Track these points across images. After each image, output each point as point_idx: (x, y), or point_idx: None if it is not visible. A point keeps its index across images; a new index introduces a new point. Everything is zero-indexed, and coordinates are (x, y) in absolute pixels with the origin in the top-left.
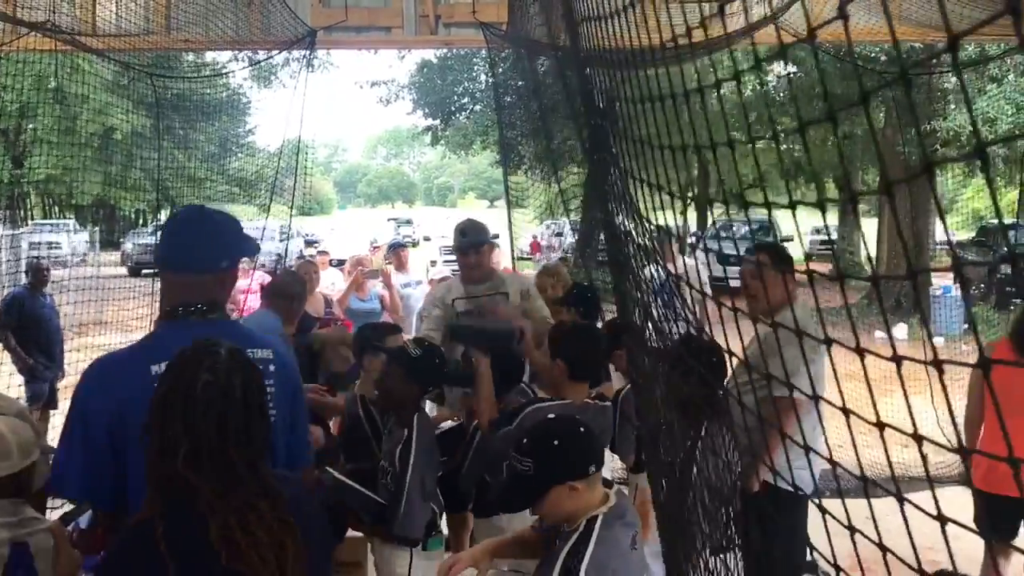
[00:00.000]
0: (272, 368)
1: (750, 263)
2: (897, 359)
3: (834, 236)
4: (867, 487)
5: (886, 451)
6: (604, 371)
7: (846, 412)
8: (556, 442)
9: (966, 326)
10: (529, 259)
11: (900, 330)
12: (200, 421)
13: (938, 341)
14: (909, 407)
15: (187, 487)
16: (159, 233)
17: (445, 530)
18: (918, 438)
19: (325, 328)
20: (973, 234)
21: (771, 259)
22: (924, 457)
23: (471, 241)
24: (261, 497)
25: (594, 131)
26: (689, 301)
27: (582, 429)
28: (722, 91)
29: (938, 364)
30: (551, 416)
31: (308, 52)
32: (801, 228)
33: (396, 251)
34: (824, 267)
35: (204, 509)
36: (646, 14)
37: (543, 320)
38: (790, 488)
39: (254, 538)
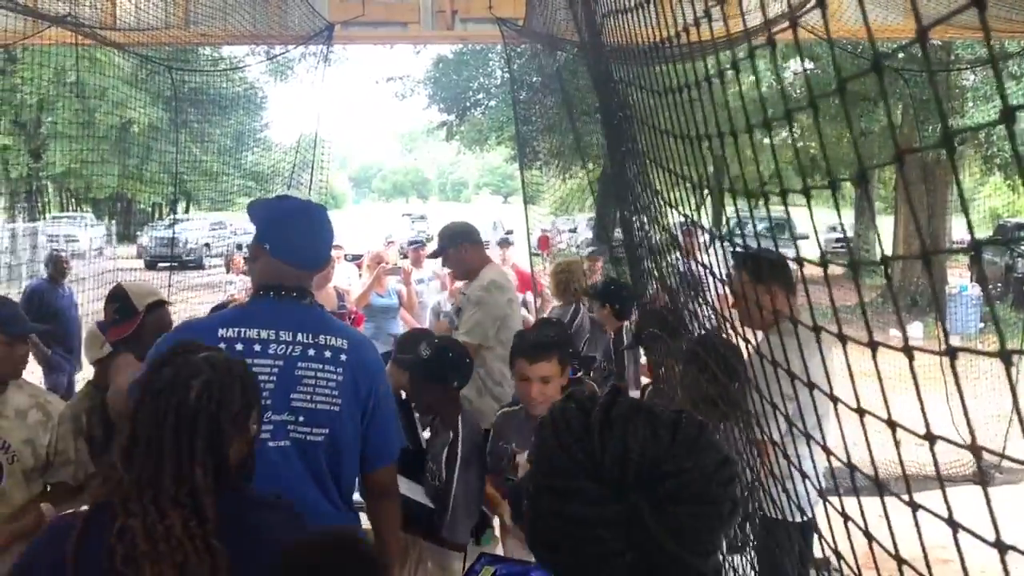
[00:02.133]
0: (343, 358)
1: (736, 278)
2: (908, 349)
3: (849, 234)
4: (881, 489)
5: (898, 452)
6: (620, 371)
7: (860, 412)
8: None
9: (982, 325)
10: (538, 255)
11: (916, 328)
12: (146, 410)
13: (954, 340)
14: (922, 405)
15: (116, 481)
16: (265, 217)
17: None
18: (930, 437)
19: None
20: (990, 232)
21: (754, 274)
22: (935, 458)
23: (437, 247)
24: (182, 508)
25: (621, 123)
26: (711, 296)
27: None
28: (739, 87)
29: (952, 353)
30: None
31: (325, 46)
32: (817, 226)
33: (414, 249)
34: (839, 266)
35: (118, 506)
36: (663, 9)
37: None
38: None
39: (154, 548)
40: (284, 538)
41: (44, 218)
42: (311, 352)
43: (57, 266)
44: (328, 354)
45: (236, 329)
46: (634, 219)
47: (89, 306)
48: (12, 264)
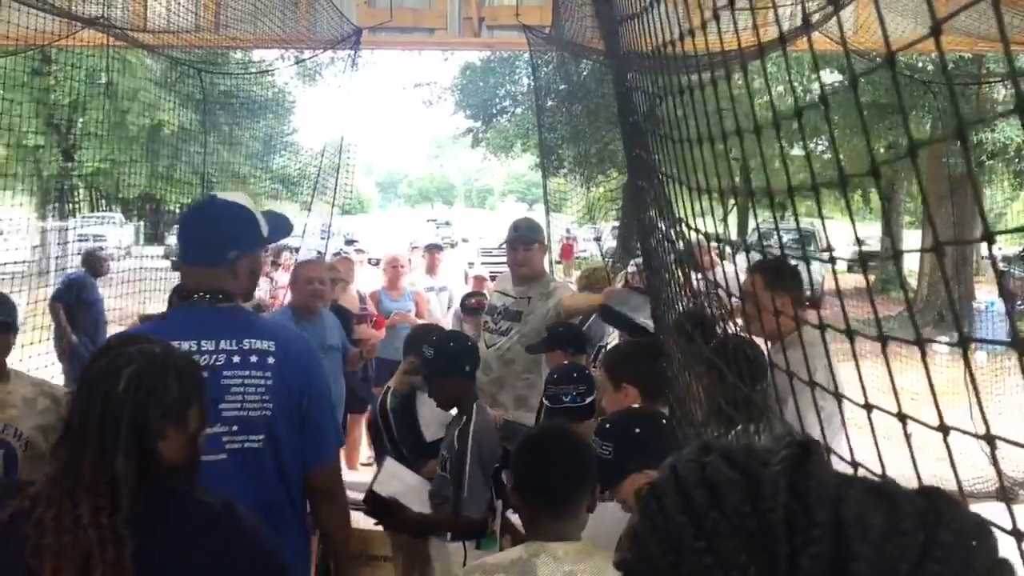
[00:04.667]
0: (271, 360)
1: (747, 283)
2: (921, 341)
3: (876, 247)
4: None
5: (909, 444)
6: None
7: (868, 407)
8: (637, 430)
9: (1010, 341)
10: (559, 263)
11: (942, 344)
12: (76, 401)
13: (980, 356)
14: (975, 389)
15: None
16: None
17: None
18: (944, 429)
19: (360, 324)
20: (1020, 248)
21: (767, 280)
22: (951, 455)
23: (520, 237)
24: (96, 498)
25: (633, 127)
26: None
27: (664, 422)
28: (765, 99)
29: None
30: (635, 406)
31: (353, 51)
32: (843, 239)
33: (431, 251)
34: (863, 279)
35: (39, 495)
36: (690, 17)
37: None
38: None
39: (58, 539)
40: (214, 540)
41: (75, 217)
42: (236, 359)
43: (93, 263)
44: (254, 359)
45: None
46: (650, 227)
47: (112, 302)
48: (42, 262)
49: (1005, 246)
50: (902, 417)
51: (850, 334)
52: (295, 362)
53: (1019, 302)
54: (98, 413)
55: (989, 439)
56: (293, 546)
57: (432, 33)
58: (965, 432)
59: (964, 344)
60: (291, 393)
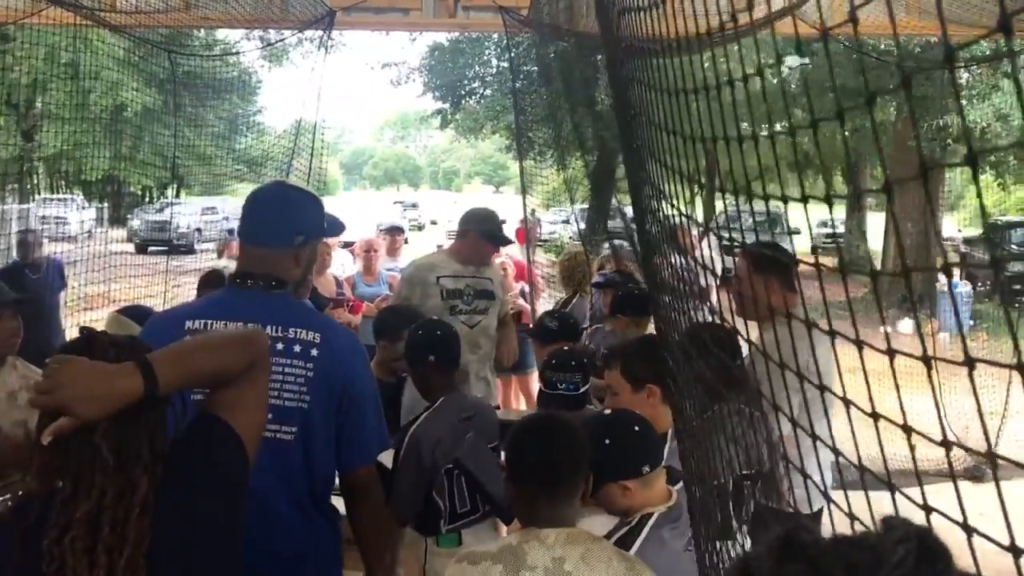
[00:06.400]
0: (314, 352)
1: (739, 265)
2: (859, 343)
3: (840, 229)
4: (863, 477)
5: (913, 455)
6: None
7: (875, 416)
8: (608, 441)
9: (972, 322)
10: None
11: (906, 324)
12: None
13: (943, 336)
14: (900, 399)
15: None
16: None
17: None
18: (946, 444)
19: (337, 308)
20: (979, 231)
21: (754, 263)
22: (950, 463)
23: (487, 231)
24: (115, 522)
25: (630, 117)
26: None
27: (637, 428)
28: (733, 83)
29: (971, 362)
30: (607, 412)
31: (324, 33)
32: (808, 221)
33: (391, 234)
34: (829, 260)
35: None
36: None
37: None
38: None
39: (76, 563)
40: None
41: (33, 199)
42: (279, 346)
43: (22, 247)
44: (297, 348)
45: (202, 321)
46: (647, 212)
47: (81, 289)
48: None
49: (965, 229)
50: (875, 416)
51: (808, 327)
52: (339, 357)
53: (980, 284)
54: (114, 444)
55: (906, 429)
56: (320, 544)
57: (407, 14)
58: (891, 420)
59: (891, 355)
60: (332, 388)
